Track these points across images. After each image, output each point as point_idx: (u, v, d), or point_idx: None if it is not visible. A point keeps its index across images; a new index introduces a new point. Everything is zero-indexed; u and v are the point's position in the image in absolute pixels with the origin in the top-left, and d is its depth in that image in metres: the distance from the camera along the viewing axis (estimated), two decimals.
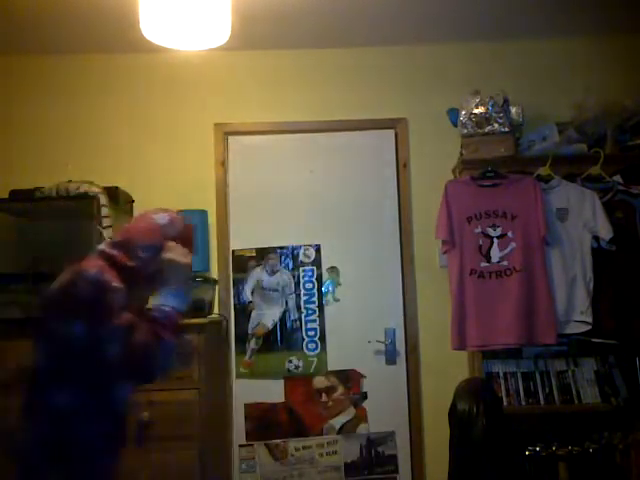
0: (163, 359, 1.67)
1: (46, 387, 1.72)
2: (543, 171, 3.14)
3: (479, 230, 3.12)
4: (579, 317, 3.02)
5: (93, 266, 1.71)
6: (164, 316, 1.70)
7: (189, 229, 1.91)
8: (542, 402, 3.08)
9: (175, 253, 1.77)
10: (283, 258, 3.46)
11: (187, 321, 2.81)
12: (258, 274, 3.45)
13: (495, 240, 3.11)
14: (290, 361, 3.38)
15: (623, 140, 3.22)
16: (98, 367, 1.68)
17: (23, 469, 1.70)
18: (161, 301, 1.73)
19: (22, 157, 3.43)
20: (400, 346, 3.41)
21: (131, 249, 1.77)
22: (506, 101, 3.18)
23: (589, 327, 3.01)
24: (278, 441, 3.34)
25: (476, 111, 3.16)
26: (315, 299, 3.43)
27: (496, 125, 3.15)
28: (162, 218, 1.84)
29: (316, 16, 3.17)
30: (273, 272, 3.45)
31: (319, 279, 3.45)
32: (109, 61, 3.51)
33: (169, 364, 1.68)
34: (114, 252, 1.76)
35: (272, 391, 3.36)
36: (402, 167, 3.49)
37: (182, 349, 2.14)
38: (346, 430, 3.35)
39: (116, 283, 1.67)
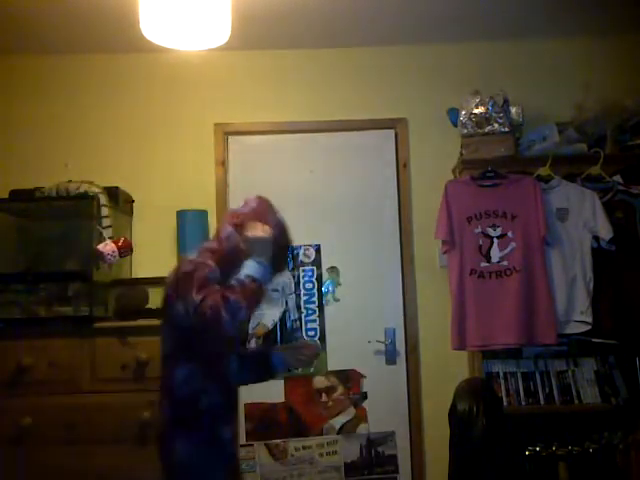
0: (230, 316, 1.77)
1: (171, 366, 1.96)
2: (543, 171, 3.14)
3: (479, 230, 3.12)
4: (579, 317, 3.02)
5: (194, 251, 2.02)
6: (238, 282, 1.86)
7: (263, 204, 2.13)
8: (542, 402, 3.08)
9: (252, 230, 1.98)
10: None
11: None
12: None
13: (495, 240, 3.11)
14: None
15: (623, 140, 3.21)
16: (206, 340, 1.93)
17: (161, 442, 1.96)
18: (242, 271, 1.89)
19: (22, 157, 3.43)
20: (400, 346, 3.41)
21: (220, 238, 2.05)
22: (506, 101, 3.18)
23: (589, 327, 3.01)
24: (278, 441, 3.34)
25: (476, 111, 3.16)
26: (315, 299, 3.43)
27: (496, 125, 3.15)
28: (239, 205, 2.12)
29: (316, 16, 3.17)
30: None
31: (319, 279, 3.45)
32: (109, 61, 3.51)
33: (236, 322, 1.81)
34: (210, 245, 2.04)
35: (272, 391, 3.35)
36: (402, 167, 3.50)
37: (304, 352, 2.27)
38: (346, 430, 3.35)
39: (210, 262, 1.93)
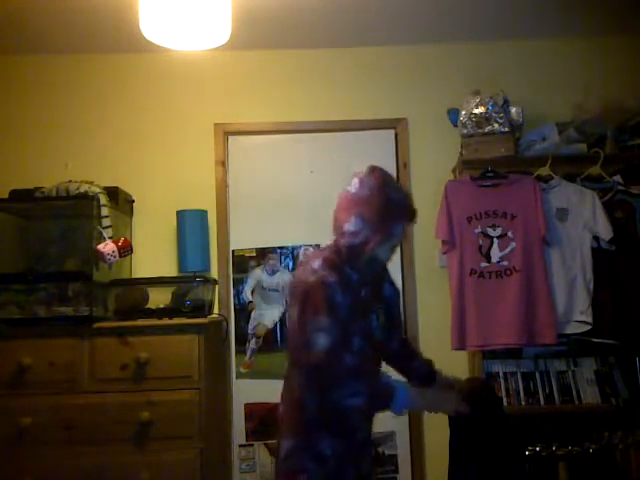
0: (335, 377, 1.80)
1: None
2: (543, 171, 3.14)
3: (479, 230, 3.12)
4: (579, 317, 3.02)
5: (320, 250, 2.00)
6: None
7: (380, 180, 1.97)
8: (542, 402, 3.08)
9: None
10: (283, 258, 3.46)
11: (187, 321, 2.83)
12: (258, 274, 3.45)
13: (495, 240, 3.11)
14: None
15: (623, 140, 3.21)
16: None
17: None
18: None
19: (22, 157, 3.43)
20: None
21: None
22: (506, 101, 3.18)
23: (589, 327, 3.01)
24: None
25: (476, 111, 3.16)
26: None
27: (496, 125, 3.15)
28: (352, 185, 1.98)
29: (316, 16, 3.17)
30: (273, 272, 3.45)
31: None
32: (109, 61, 3.51)
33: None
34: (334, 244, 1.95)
35: (272, 391, 3.32)
36: (402, 167, 3.49)
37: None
38: None
39: (331, 275, 1.83)
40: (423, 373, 2.21)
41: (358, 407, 1.82)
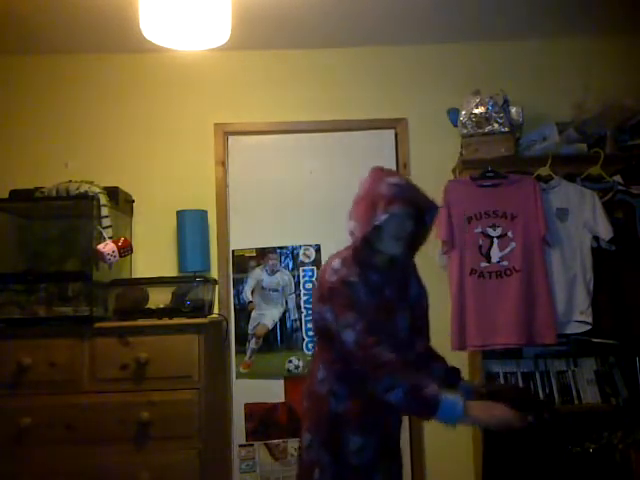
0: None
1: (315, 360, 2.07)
2: (543, 171, 3.14)
3: (479, 230, 3.12)
4: (579, 317, 3.02)
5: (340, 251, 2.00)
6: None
7: (374, 177, 1.97)
8: None
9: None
10: (283, 258, 3.46)
11: (187, 321, 2.83)
12: (258, 274, 3.45)
13: (495, 240, 3.11)
14: (290, 361, 3.38)
15: (623, 140, 3.21)
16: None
17: None
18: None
19: (22, 157, 3.44)
20: None
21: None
22: (506, 101, 3.18)
23: (589, 327, 3.01)
24: (278, 441, 3.34)
25: (476, 111, 3.16)
26: None
27: (496, 125, 3.15)
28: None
29: (316, 16, 3.17)
30: (273, 272, 3.45)
31: None
32: (109, 61, 3.51)
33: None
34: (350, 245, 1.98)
35: (272, 391, 3.36)
36: (402, 167, 3.49)
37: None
38: None
39: (353, 274, 1.88)
40: (440, 377, 2.08)
41: (398, 404, 1.79)
